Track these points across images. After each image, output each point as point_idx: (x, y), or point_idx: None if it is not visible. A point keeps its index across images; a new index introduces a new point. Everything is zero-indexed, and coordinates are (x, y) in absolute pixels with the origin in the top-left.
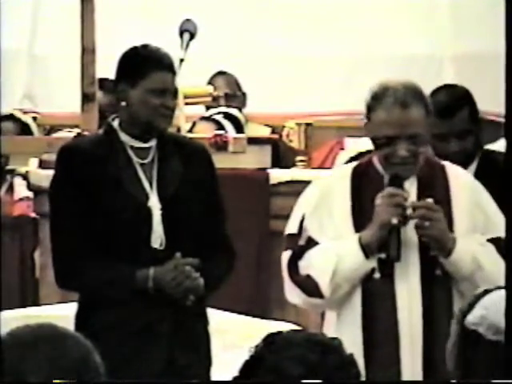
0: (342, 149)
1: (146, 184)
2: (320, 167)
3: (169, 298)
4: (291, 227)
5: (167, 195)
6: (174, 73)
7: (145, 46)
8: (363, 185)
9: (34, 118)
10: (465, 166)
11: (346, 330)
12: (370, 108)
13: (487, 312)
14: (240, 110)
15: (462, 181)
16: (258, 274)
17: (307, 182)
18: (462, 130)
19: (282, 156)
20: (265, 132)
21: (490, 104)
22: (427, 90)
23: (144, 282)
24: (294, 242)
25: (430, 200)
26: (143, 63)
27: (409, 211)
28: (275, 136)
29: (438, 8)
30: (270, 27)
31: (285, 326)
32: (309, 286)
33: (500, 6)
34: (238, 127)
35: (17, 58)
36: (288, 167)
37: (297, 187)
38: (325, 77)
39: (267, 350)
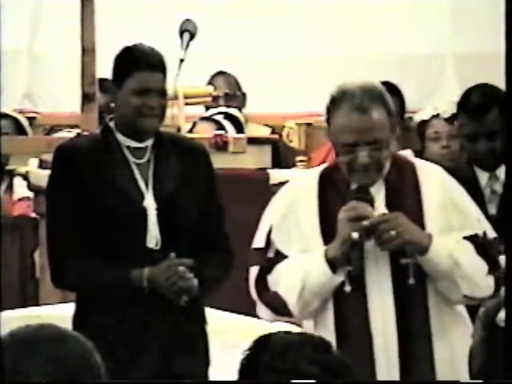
0: None
1: (142, 184)
2: None
3: (163, 298)
4: (258, 241)
5: (163, 195)
6: (161, 72)
7: (134, 46)
8: (330, 192)
9: (34, 118)
10: (495, 166)
11: None
12: (329, 112)
13: None
14: (240, 109)
15: (433, 179)
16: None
17: None
18: (492, 131)
19: (282, 156)
20: (265, 132)
21: None
22: (428, 89)
23: (138, 282)
24: (261, 257)
25: (383, 212)
26: (127, 63)
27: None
28: (275, 136)
29: (439, 7)
30: (270, 27)
31: (285, 326)
32: (277, 305)
33: (500, 5)
34: (238, 127)
35: (17, 58)
36: (288, 167)
37: None
38: (325, 77)
39: (271, 352)
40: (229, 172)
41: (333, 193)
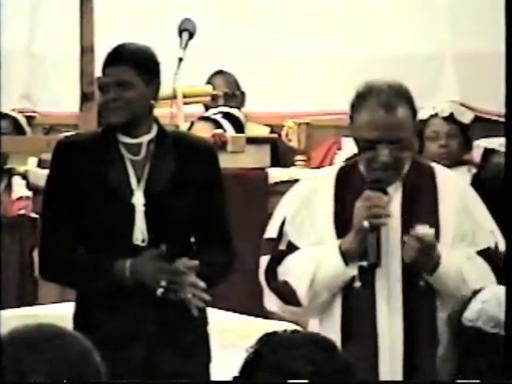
0: (340, 148)
1: (134, 180)
2: (319, 167)
3: (146, 289)
4: (271, 231)
5: (155, 192)
6: (124, 64)
7: None
8: (347, 189)
9: (33, 118)
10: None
11: None
12: (354, 108)
13: (485, 305)
14: (239, 109)
15: (451, 186)
16: (258, 274)
17: None
18: None
19: (281, 155)
20: (264, 131)
21: (489, 104)
22: (427, 89)
23: (121, 273)
24: (272, 247)
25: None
26: None
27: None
28: (274, 135)
29: (438, 7)
30: (270, 27)
31: (285, 326)
32: (286, 294)
33: (500, 5)
34: (239, 127)
35: (16, 58)
36: (287, 166)
37: None
38: (324, 76)
39: (270, 350)
40: (227, 171)
41: (349, 190)
